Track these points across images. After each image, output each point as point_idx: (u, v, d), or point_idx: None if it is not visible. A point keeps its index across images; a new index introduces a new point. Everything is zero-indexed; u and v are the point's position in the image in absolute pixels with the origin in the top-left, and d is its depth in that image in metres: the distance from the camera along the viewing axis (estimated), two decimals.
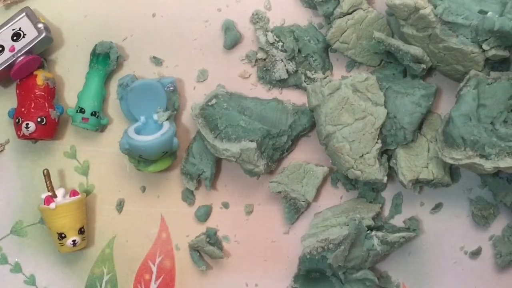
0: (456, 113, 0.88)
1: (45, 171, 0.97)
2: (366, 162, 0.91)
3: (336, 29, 0.95)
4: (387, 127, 0.92)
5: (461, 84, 0.89)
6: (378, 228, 0.95)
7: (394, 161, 0.93)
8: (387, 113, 0.91)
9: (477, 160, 0.86)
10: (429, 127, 0.94)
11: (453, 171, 0.96)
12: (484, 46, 0.88)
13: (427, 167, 0.93)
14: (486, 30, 0.87)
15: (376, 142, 0.91)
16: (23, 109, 0.96)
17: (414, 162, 0.93)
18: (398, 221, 0.99)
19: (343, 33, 0.95)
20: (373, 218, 0.95)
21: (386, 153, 0.95)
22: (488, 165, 0.86)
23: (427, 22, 0.89)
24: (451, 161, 0.88)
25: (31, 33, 0.96)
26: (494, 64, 0.92)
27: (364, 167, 0.91)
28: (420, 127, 0.94)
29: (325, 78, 0.96)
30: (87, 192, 1.00)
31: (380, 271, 0.99)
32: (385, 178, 0.92)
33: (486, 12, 0.87)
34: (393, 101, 0.92)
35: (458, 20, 0.88)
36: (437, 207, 0.98)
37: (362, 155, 0.91)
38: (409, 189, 0.94)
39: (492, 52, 0.88)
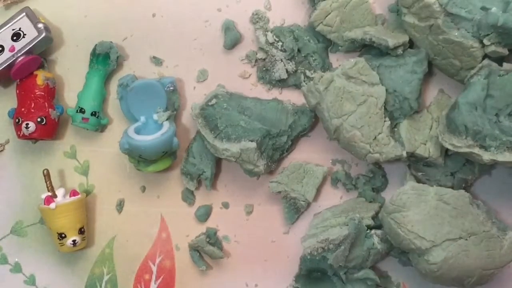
0: (463, 100, 0.88)
1: (45, 171, 0.97)
2: (381, 142, 0.90)
3: (320, 11, 0.95)
4: (390, 102, 0.92)
5: (472, 72, 0.89)
6: (377, 227, 0.95)
7: (396, 129, 0.93)
8: (386, 90, 0.91)
9: (476, 150, 0.87)
10: (437, 105, 0.94)
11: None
12: (485, 41, 0.88)
13: (425, 144, 0.92)
14: (489, 25, 0.86)
15: (385, 121, 0.91)
16: (23, 109, 0.96)
17: (414, 136, 0.92)
18: None
19: (327, 16, 0.95)
20: (373, 218, 0.95)
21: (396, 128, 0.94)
22: (487, 156, 0.86)
23: (431, 11, 0.89)
24: (450, 147, 0.88)
25: (31, 33, 0.96)
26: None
27: (380, 148, 0.91)
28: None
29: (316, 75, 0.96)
30: (87, 192, 1.00)
31: (381, 271, 0.99)
32: (405, 153, 0.91)
33: (488, 9, 0.87)
34: (388, 76, 0.92)
35: (461, 13, 0.88)
36: None
37: (375, 137, 0.91)
38: (403, 160, 0.93)
39: (492, 48, 0.88)
